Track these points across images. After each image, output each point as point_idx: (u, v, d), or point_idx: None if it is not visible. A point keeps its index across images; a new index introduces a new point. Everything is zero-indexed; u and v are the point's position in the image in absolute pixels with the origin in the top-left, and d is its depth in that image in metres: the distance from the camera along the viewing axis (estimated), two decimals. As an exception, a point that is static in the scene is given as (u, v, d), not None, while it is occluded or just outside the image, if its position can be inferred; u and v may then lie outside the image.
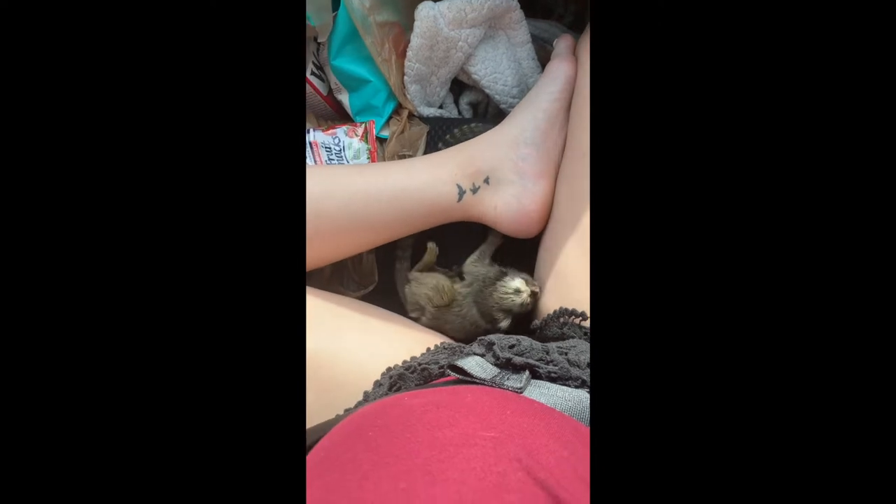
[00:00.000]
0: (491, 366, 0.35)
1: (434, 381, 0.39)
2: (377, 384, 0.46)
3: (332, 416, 0.43)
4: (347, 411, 0.46)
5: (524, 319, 0.52)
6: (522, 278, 0.50)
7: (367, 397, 0.45)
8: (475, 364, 0.35)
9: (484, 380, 0.33)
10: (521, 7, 0.59)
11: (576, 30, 0.64)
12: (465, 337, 0.52)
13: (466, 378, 0.33)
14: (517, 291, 0.49)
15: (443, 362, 0.40)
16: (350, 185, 0.50)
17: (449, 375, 0.36)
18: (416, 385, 0.43)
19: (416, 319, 0.54)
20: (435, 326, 0.53)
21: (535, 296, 0.50)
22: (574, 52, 0.54)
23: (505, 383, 0.32)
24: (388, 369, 0.45)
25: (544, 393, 0.32)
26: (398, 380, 0.43)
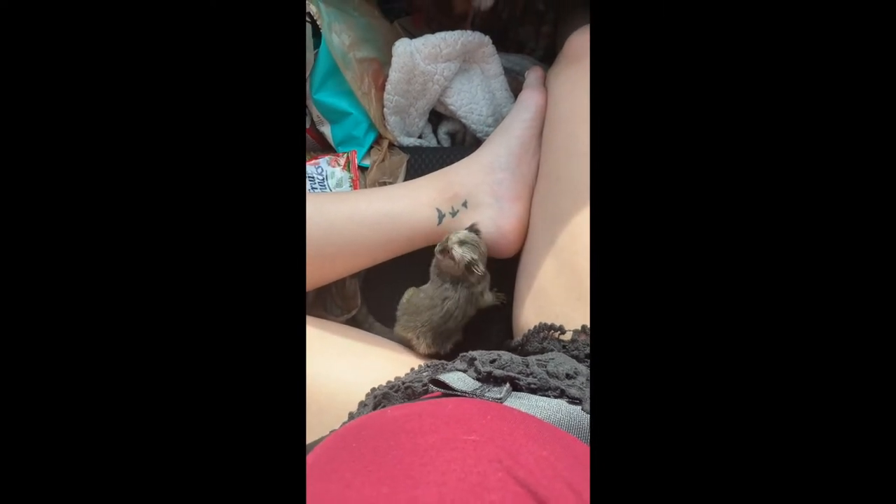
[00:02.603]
0: (472, 380, 0.35)
1: (423, 397, 0.38)
2: (362, 405, 0.45)
3: (319, 437, 0.42)
4: (333, 432, 0.46)
5: (505, 337, 0.52)
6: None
7: (351, 418, 0.44)
8: (457, 378, 0.34)
9: (465, 392, 0.33)
10: (494, 42, 0.61)
11: (546, 62, 0.66)
12: (463, 317, 0.51)
13: (448, 391, 0.33)
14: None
15: (426, 380, 0.40)
16: (334, 212, 0.51)
17: (432, 392, 0.36)
18: (404, 398, 0.42)
19: (419, 342, 0.53)
20: (436, 333, 0.52)
21: (463, 244, 0.49)
22: (544, 83, 0.56)
23: (486, 395, 0.32)
24: (373, 389, 0.45)
25: (524, 403, 0.32)
26: (382, 399, 0.43)
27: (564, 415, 0.31)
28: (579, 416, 0.31)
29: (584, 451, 0.26)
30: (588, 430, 0.30)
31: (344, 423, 0.45)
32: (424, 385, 0.40)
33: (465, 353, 0.40)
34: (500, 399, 0.31)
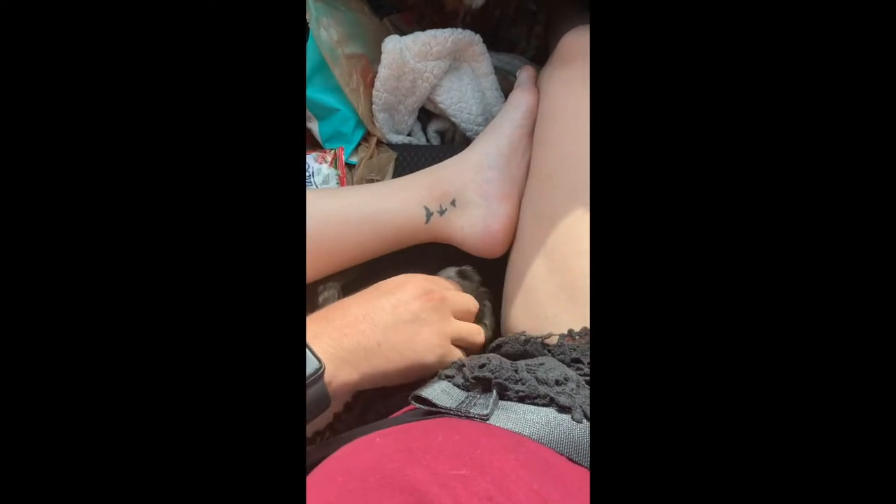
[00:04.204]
0: (458, 390, 0.34)
1: (404, 410, 0.37)
2: (348, 406, 0.44)
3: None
4: (318, 434, 0.44)
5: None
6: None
7: (337, 419, 0.43)
8: (440, 392, 0.33)
9: (450, 409, 0.31)
10: (485, 41, 0.59)
11: (537, 62, 0.64)
12: None
13: (431, 408, 0.31)
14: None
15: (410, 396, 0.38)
16: (320, 209, 0.49)
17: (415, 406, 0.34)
18: (387, 409, 0.41)
19: None
20: None
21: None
22: (535, 83, 0.54)
23: (471, 411, 0.30)
24: (360, 392, 0.43)
25: (512, 417, 0.30)
26: (371, 400, 0.42)
27: (554, 427, 0.29)
28: (569, 427, 0.29)
29: (576, 475, 0.25)
30: (578, 443, 0.29)
31: (329, 425, 0.44)
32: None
33: (455, 360, 0.39)
34: (486, 416, 0.30)
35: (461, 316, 0.45)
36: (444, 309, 0.42)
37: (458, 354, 0.43)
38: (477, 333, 0.45)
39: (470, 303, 0.46)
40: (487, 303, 0.51)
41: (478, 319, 0.48)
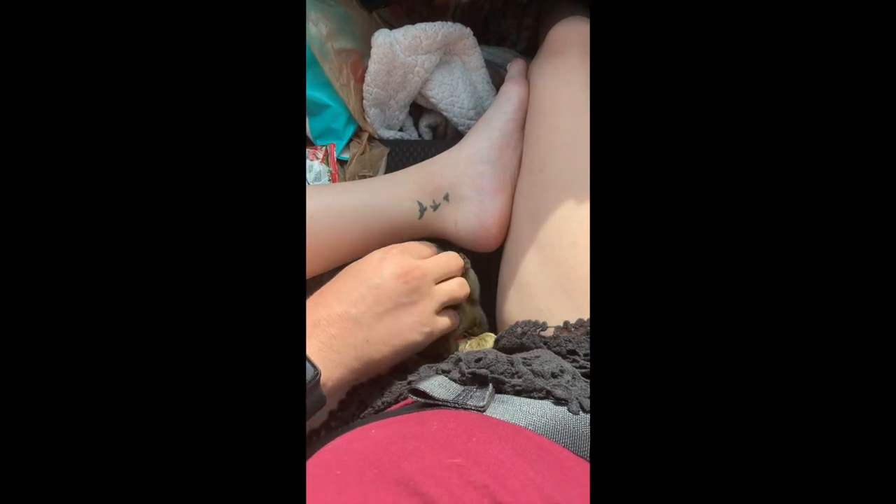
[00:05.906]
0: (454, 384, 0.33)
1: (400, 405, 0.36)
2: (343, 404, 0.43)
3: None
4: (314, 432, 0.43)
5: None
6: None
7: (332, 416, 0.42)
8: (437, 385, 0.32)
9: (447, 401, 0.30)
10: (475, 34, 0.58)
11: (528, 55, 0.64)
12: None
13: (428, 401, 0.31)
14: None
15: (406, 391, 0.38)
16: (312, 206, 0.48)
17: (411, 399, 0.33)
18: (384, 404, 0.40)
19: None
20: None
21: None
22: (526, 76, 0.54)
23: (468, 403, 0.30)
24: (354, 388, 0.43)
25: (508, 409, 0.30)
26: (366, 397, 0.41)
27: (550, 419, 0.28)
28: (565, 418, 0.29)
29: (574, 463, 0.25)
30: (575, 434, 0.28)
31: (324, 423, 0.43)
32: (409, 382, 0.38)
33: (452, 354, 0.38)
34: (482, 407, 0.29)
35: (445, 278, 0.44)
36: (424, 286, 0.41)
37: (444, 324, 0.42)
38: (460, 287, 0.44)
39: (452, 262, 0.45)
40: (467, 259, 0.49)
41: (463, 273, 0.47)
